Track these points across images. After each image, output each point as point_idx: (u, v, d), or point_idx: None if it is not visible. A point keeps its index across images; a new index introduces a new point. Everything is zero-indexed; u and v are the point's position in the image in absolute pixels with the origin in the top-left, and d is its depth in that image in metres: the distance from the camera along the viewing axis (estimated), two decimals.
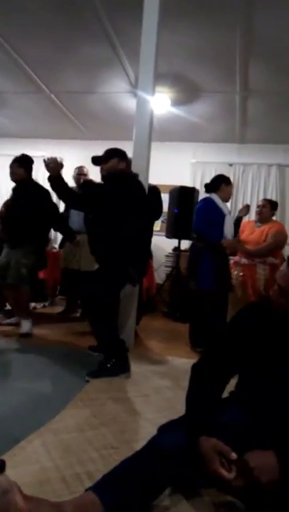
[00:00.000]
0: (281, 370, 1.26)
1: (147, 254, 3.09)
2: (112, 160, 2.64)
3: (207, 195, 3.51)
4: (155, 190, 3.46)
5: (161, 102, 4.58)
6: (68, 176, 3.58)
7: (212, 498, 1.24)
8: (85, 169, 4.31)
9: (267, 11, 3.04)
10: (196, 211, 3.52)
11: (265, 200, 4.10)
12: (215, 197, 3.40)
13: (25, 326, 3.28)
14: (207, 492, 1.26)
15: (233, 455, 1.07)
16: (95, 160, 2.70)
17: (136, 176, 2.74)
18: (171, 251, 5.31)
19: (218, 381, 1.34)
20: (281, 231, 3.79)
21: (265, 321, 1.33)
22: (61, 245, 4.34)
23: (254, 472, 1.04)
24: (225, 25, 3.26)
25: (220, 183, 3.45)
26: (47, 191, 3.32)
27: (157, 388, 2.31)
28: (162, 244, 5.19)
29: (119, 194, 2.49)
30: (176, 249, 5.07)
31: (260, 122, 5.13)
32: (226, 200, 3.47)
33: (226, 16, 3.16)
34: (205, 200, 3.47)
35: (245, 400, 1.31)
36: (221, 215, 3.34)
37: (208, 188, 3.50)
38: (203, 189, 3.64)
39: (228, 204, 3.63)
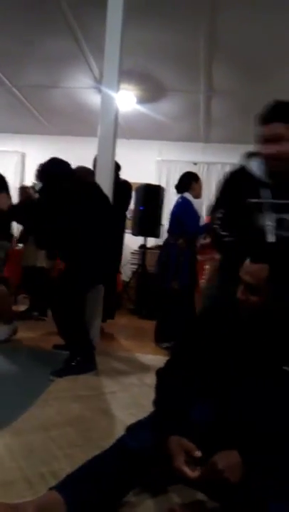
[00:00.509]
0: (248, 371, 1.28)
1: (115, 251, 3.09)
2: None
3: (177, 194, 3.54)
4: (126, 186, 3.47)
5: (126, 99, 4.57)
6: (32, 173, 3.51)
7: (179, 496, 1.25)
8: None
9: (230, 12, 3.10)
10: (174, 212, 3.53)
11: None
12: (189, 196, 3.44)
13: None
14: (174, 490, 1.27)
15: (198, 453, 1.09)
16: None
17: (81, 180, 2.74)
18: (137, 248, 5.32)
19: (185, 380, 1.34)
20: None
21: (233, 323, 1.35)
22: (20, 241, 4.25)
23: (223, 474, 1.05)
24: (189, 25, 3.29)
25: (190, 181, 3.49)
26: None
27: (123, 385, 2.31)
28: (128, 241, 5.19)
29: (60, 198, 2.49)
30: (142, 246, 5.08)
31: (224, 122, 5.23)
32: (197, 197, 3.52)
33: (190, 17, 3.19)
34: (182, 199, 3.49)
35: (213, 399, 1.33)
36: (196, 215, 3.40)
37: (180, 188, 3.53)
38: (171, 188, 3.67)
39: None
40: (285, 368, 1.23)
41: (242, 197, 1.81)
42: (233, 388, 1.29)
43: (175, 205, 3.55)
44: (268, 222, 1.78)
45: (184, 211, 3.40)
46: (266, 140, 1.73)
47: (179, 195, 3.53)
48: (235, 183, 1.94)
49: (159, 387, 1.33)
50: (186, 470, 1.07)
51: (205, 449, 1.11)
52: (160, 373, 1.36)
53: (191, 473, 1.07)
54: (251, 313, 1.28)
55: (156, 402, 1.30)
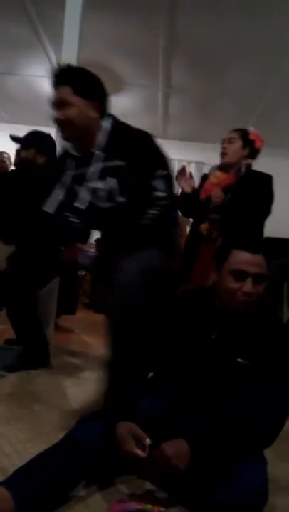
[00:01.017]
0: (209, 362, 1.31)
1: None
2: (30, 149, 2.55)
3: None
4: None
5: None
6: None
7: (128, 487, 1.27)
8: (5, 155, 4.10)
9: (189, 11, 3.14)
10: None
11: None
12: None
13: None
14: (123, 481, 1.29)
15: (148, 441, 1.12)
16: (15, 139, 2.59)
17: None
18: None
19: (138, 370, 1.36)
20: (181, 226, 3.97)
21: (201, 311, 1.37)
22: None
23: (171, 461, 1.08)
24: (148, 21, 3.30)
25: None
26: None
27: (77, 380, 2.30)
28: None
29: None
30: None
31: (182, 120, 5.30)
32: None
33: (150, 13, 3.21)
34: None
35: (164, 389, 1.36)
36: None
37: None
38: None
39: None
40: (239, 360, 1.28)
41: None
42: (184, 379, 1.32)
43: None
44: (60, 195, 1.82)
45: None
46: (54, 105, 1.68)
47: None
48: (60, 160, 1.92)
49: (109, 379, 1.34)
50: (137, 451, 1.10)
51: (154, 438, 1.14)
52: (110, 365, 1.38)
53: (142, 453, 1.09)
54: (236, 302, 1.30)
55: (107, 394, 1.31)
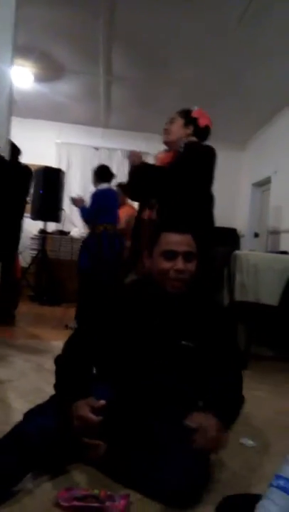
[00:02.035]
0: (153, 347, 1.33)
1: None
2: None
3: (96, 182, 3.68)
4: (26, 171, 3.41)
5: (23, 76, 4.35)
6: None
7: (76, 475, 1.27)
8: None
9: (129, 1, 3.12)
10: (109, 201, 3.65)
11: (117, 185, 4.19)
12: (109, 186, 3.68)
13: None
14: (71, 470, 1.29)
15: (102, 402, 1.14)
16: None
17: None
18: (36, 233, 5.15)
19: (85, 358, 1.36)
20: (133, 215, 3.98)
21: (142, 298, 1.39)
22: None
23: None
24: (87, 6, 3.23)
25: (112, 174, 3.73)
26: None
27: (22, 373, 2.26)
28: (27, 226, 5.00)
29: None
30: (43, 231, 4.94)
31: (124, 109, 5.27)
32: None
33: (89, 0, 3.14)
34: (110, 190, 3.69)
35: (111, 377, 1.37)
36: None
37: (103, 177, 3.68)
38: (72, 172, 3.71)
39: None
40: (183, 342, 1.32)
41: None
42: (130, 366, 1.34)
43: (97, 193, 3.62)
44: None
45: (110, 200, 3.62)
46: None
47: (107, 185, 3.67)
48: None
49: (59, 371, 1.33)
50: (91, 416, 1.11)
51: (105, 426, 1.15)
52: (60, 357, 1.37)
53: (95, 417, 1.11)
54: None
55: (57, 385, 1.30)
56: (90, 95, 4.97)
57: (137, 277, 2.09)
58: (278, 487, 0.82)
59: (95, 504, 1.08)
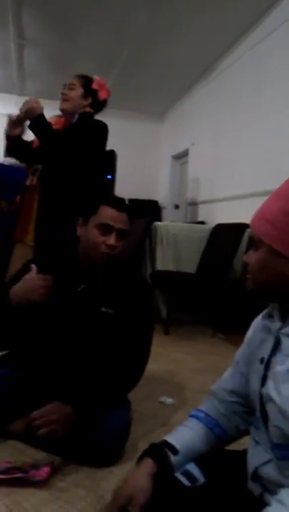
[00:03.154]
0: (75, 313, 1.35)
1: None
2: None
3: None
4: None
5: None
6: None
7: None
8: None
9: None
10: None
11: None
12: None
13: None
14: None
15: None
16: None
17: None
18: None
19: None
20: None
21: (66, 265, 1.40)
22: None
23: (55, 425, 1.13)
24: None
25: None
26: None
27: None
28: None
29: None
30: None
31: (39, 75, 5.03)
32: None
33: None
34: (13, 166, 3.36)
35: (24, 355, 1.38)
36: None
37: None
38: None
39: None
40: (103, 309, 1.36)
41: None
42: (51, 331, 1.36)
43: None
44: None
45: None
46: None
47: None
48: None
49: None
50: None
51: (19, 400, 1.16)
52: None
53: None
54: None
55: None
56: (1, 60, 4.64)
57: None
58: (191, 415, 0.97)
59: (19, 475, 1.11)
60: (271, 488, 0.74)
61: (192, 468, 0.85)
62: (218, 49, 4.11)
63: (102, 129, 2.21)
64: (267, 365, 0.78)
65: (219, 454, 0.93)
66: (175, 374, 2.13)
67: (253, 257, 0.77)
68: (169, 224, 3.64)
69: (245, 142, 3.72)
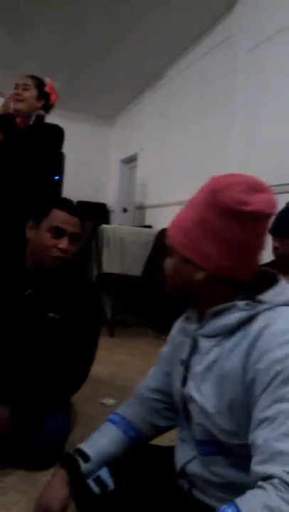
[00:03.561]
0: (22, 318, 1.32)
1: None
2: None
3: None
4: None
5: None
6: None
7: None
8: None
9: None
10: None
11: None
12: None
13: None
14: None
15: None
16: None
17: None
18: None
19: None
20: None
21: (13, 268, 1.36)
22: None
23: None
24: None
25: None
26: None
27: None
28: None
29: None
30: None
31: None
32: None
33: None
34: None
35: None
36: None
37: None
38: None
39: None
40: (50, 314, 1.34)
41: None
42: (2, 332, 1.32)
43: None
44: None
45: None
46: None
47: None
48: None
49: None
50: None
51: None
52: None
53: None
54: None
55: None
56: None
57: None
58: (107, 419, 0.99)
59: None
60: (198, 484, 0.77)
61: (104, 473, 0.85)
62: (167, 57, 4.21)
63: (62, 134, 2.28)
64: (187, 366, 0.81)
65: (152, 450, 0.95)
66: (118, 375, 2.14)
67: (168, 263, 0.81)
68: (116, 227, 3.65)
69: (191, 149, 3.83)
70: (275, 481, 0.55)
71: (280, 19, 2.68)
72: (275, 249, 1.86)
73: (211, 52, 3.58)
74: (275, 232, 1.86)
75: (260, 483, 0.56)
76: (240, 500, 0.56)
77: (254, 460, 0.60)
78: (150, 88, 4.94)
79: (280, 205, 1.96)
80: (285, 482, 0.54)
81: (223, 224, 0.71)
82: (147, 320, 3.33)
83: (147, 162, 5.01)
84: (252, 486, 0.58)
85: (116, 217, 5.93)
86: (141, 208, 5.06)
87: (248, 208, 0.69)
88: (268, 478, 0.56)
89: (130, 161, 5.76)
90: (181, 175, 3.99)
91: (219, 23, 3.45)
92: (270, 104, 2.76)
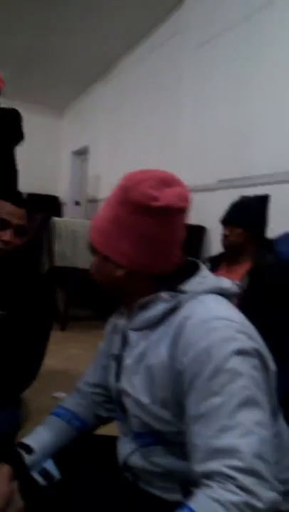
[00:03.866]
0: None
1: None
2: None
3: None
4: None
5: None
6: None
7: None
8: None
9: None
10: None
11: None
12: None
13: None
14: None
15: None
16: None
17: None
18: None
19: None
20: None
21: None
22: None
23: None
24: None
25: None
26: None
27: None
28: None
29: None
30: None
31: None
32: None
33: None
34: None
35: None
36: None
37: None
38: None
39: None
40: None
41: None
42: None
43: None
44: None
45: None
46: None
47: None
48: None
49: None
50: None
51: None
52: None
53: None
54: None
55: None
56: None
57: None
58: (51, 413, 0.95)
59: None
60: (141, 475, 0.79)
61: (49, 465, 0.85)
62: (117, 50, 4.19)
63: (19, 115, 2.43)
64: (119, 360, 0.82)
65: (99, 440, 0.96)
66: (70, 369, 2.14)
67: (92, 262, 0.82)
68: (68, 220, 3.61)
69: (142, 143, 3.85)
70: (217, 476, 0.57)
71: (229, 16, 2.76)
72: (225, 237, 1.94)
73: (160, 46, 3.61)
74: (226, 222, 1.94)
75: (203, 480, 0.59)
76: (193, 503, 0.57)
77: (193, 458, 0.62)
78: (100, 81, 4.89)
79: (232, 199, 2.04)
80: (226, 475, 0.57)
81: (135, 220, 0.72)
82: (99, 313, 3.34)
83: (99, 154, 4.98)
84: (194, 477, 0.61)
85: (68, 210, 5.85)
86: (93, 201, 5.03)
87: (158, 204, 0.70)
88: (209, 474, 0.58)
89: (82, 153, 5.69)
90: (133, 167, 3.97)
91: (169, 18, 3.48)
92: (217, 95, 2.85)
